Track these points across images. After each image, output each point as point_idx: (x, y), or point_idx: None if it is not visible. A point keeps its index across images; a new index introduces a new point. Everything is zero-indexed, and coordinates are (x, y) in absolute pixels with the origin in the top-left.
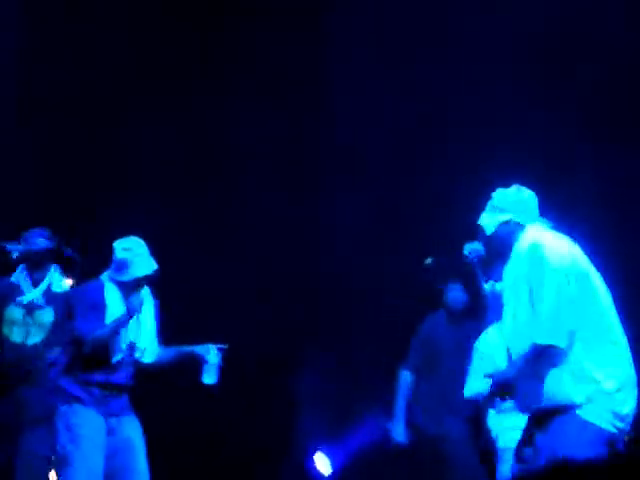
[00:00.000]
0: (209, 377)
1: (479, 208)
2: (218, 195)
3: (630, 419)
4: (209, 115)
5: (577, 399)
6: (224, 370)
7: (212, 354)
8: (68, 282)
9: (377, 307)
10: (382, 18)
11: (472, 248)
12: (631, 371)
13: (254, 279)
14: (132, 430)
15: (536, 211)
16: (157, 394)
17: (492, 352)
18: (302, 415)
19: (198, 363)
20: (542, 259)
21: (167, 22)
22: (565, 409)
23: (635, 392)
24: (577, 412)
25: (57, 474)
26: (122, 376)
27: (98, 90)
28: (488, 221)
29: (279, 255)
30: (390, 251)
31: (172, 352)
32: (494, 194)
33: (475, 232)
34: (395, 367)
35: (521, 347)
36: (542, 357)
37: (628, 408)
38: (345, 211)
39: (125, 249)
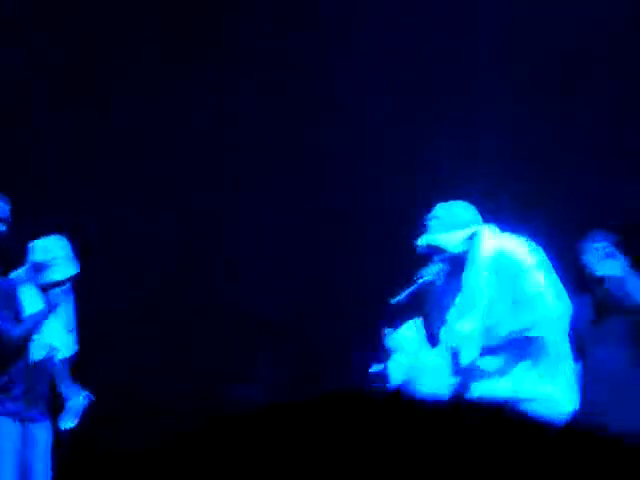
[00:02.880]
0: (68, 421)
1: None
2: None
3: None
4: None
5: None
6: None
7: (80, 399)
8: None
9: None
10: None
11: (435, 272)
12: None
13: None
14: (43, 433)
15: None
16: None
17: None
18: None
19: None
20: (519, 266)
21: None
22: None
23: None
24: None
25: None
26: (40, 379)
27: None
28: (450, 240)
29: None
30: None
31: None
32: (441, 212)
33: (425, 254)
34: None
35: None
36: None
37: None
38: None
39: (44, 250)
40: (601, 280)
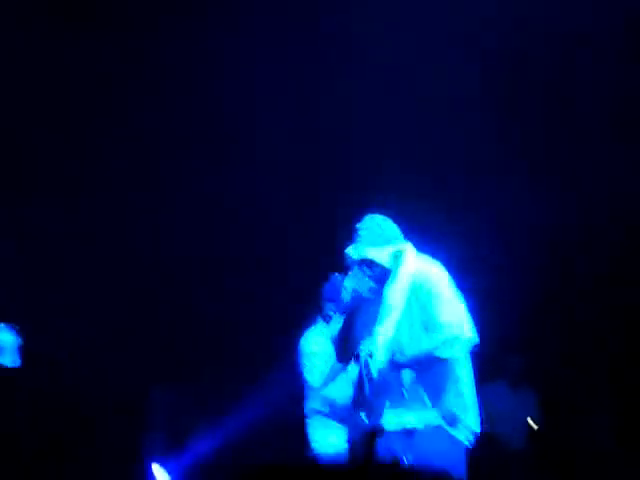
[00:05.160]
0: (4, 358)
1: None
2: None
3: None
4: None
5: None
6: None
7: (6, 334)
8: None
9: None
10: None
11: (367, 287)
12: None
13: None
14: None
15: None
16: None
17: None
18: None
19: None
20: (433, 289)
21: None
22: None
23: None
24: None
25: None
26: None
27: None
28: (380, 254)
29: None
30: None
31: None
32: (371, 224)
33: (351, 264)
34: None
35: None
36: None
37: None
38: None
39: None
40: None
